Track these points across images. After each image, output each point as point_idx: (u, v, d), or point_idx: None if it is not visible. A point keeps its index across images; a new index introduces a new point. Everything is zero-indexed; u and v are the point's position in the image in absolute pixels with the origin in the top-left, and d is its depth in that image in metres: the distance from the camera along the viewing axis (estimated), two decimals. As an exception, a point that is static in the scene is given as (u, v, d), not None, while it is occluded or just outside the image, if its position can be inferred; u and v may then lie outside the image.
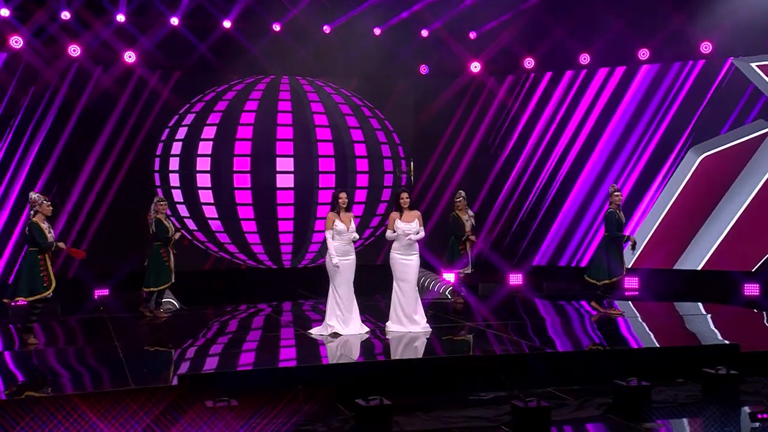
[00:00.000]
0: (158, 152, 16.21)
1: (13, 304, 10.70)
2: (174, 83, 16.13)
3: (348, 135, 16.59)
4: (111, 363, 9.35)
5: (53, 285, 10.38)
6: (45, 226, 10.33)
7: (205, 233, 16.26)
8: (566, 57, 16.59)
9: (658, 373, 9.26)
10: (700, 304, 13.45)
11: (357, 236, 10.83)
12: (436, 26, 16.64)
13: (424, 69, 17.37)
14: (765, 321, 12.56)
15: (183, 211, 16.12)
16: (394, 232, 10.89)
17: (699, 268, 15.82)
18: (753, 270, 15.31)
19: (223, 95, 16.37)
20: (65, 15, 14.60)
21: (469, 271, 13.68)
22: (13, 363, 9.80)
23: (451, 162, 17.47)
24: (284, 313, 13.15)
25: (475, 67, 17.07)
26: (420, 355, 10.07)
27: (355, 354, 9.88)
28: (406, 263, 10.90)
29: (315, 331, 10.79)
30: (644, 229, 16.17)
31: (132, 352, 9.98)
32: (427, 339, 10.60)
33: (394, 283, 10.97)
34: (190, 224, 16.19)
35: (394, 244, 10.97)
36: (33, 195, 10.43)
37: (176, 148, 16.15)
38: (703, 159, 15.77)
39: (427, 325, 10.94)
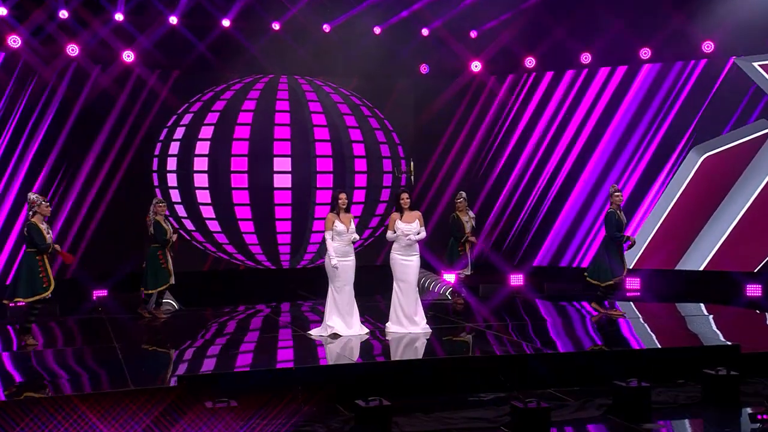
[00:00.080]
0: (156, 152, 16.16)
1: (11, 305, 10.66)
2: (173, 83, 16.08)
3: (346, 135, 16.53)
4: (110, 364, 9.33)
5: (52, 286, 10.37)
6: (44, 227, 10.30)
7: (203, 233, 16.21)
8: (567, 56, 16.57)
9: (658, 374, 9.25)
10: (701, 305, 13.42)
11: (357, 237, 10.79)
12: (436, 25, 16.61)
13: (424, 68, 17.34)
14: (767, 322, 12.50)
15: (181, 211, 16.07)
16: (395, 232, 10.84)
17: (701, 268, 15.79)
18: (755, 271, 15.28)
19: (221, 95, 16.32)
20: (63, 14, 14.54)
21: (469, 273, 13.63)
22: (12, 364, 9.77)
23: (451, 162, 17.44)
24: (283, 314, 13.12)
25: (476, 66, 17.03)
26: (420, 356, 10.04)
27: (354, 355, 9.84)
28: (406, 264, 10.86)
29: (314, 332, 10.75)
30: (646, 229, 16.13)
31: (131, 353, 9.97)
32: (427, 340, 10.56)
33: (394, 284, 10.93)
34: (188, 224, 16.14)
35: (395, 245, 10.92)
36: (32, 196, 10.39)
37: (174, 148, 16.10)
38: (704, 159, 15.73)
39: (427, 326, 10.91)
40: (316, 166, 16.33)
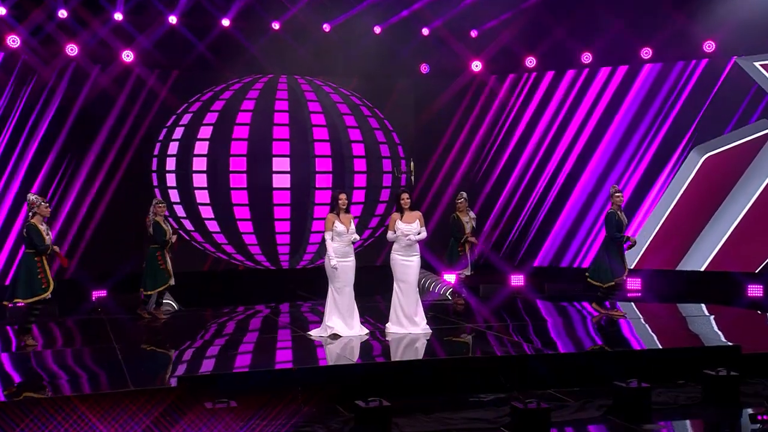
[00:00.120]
0: (155, 152, 16.12)
1: (10, 305, 10.63)
2: (172, 82, 16.06)
3: (346, 135, 16.48)
4: (110, 364, 9.31)
5: (51, 286, 10.33)
6: (43, 228, 10.27)
7: (202, 234, 16.16)
8: (568, 56, 16.54)
9: (659, 374, 9.23)
10: (703, 306, 13.38)
11: (357, 237, 10.76)
12: (436, 25, 16.59)
13: (424, 68, 17.33)
14: (768, 322, 12.50)
15: (180, 211, 16.03)
16: (395, 233, 10.79)
17: (702, 269, 15.76)
18: (756, 271, 15.25)
19: (220, 95, 16.27)
20: (62, 13, 14.52)
21: (469, 273, 13.58)
22: (11, 364, 9.74)
23: (451, 162, 17.41)
24: (283, 315, 13.09)
25: (476, 66, 17.00)
26: (420, 357, 10.01)
27: (354, 355, 9.81)
28: (406, 264, 10.82)
29: (314, 333, 10.72)
30: (647, 229, 16.09)
31: (131, 353, 9.95)
32: (427, 340, 10.53)
33: (395, 284, 10.90)
34: (188, 224, 16.10)
35: (395, 245, 10.89)
36: (31, 197, 10.37)
37: (173, 148, 16.06)
38: (706, 159, 15.70)
39: (427, 326, 10.87)
40: (315, 166, 16.28)
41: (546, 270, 16.93)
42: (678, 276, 15.87)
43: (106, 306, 13.53)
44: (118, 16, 14.98)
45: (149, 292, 12.34)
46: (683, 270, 15.89)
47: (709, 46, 15.50)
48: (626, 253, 12.33)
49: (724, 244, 15.54)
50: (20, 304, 10.34)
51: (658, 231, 16.04)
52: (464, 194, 13.74)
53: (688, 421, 8.48)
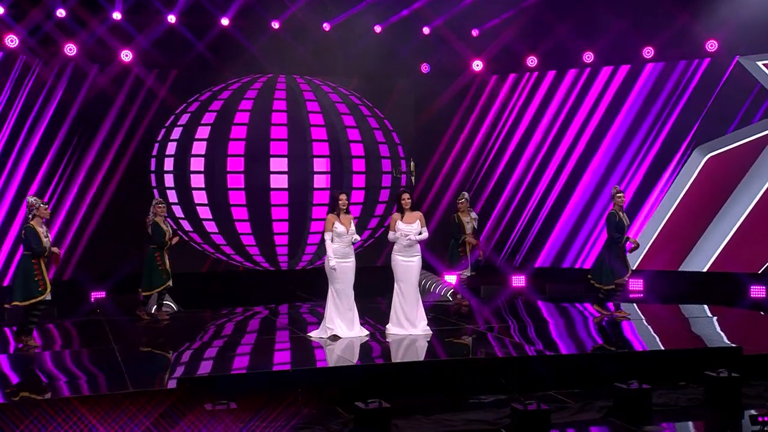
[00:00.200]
0: (154, 152, 16.06)
1: (9, 307, 10.62)
2: (171, 82, 16.02)
3: (344, 135, 16.41)
4: (109, 366, 9.28)
5: (48, 289, 10.25)
6: (42, 230, 10.22)
7: (201, 234, 16.10)
8: (569, 55, 16.53)
9: (660, 375, 9.19)
10: (705, 307, 13.32)
11: (358, 237, 10.71)
12: (437, 24, 16.59)
13: (425, 67, 17.31)
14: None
15: (178, 211, 15.98)
16: (396, 233, 10.72)
17: (704, 269, 15.71)
18: (759, 272, 15.19)
19: (219, 95, 16.21)
20: (61, 13, 14.48)
21: (469, 274, 13.51)
22: (11, 366, 9.72)
23: (452, 162, 17.37)
24: (282, 316, 13.05)
25: (477, 65, 16.96)
26: (420, 358, 9.96)
27: (354, 357, 9.76)
28: (407, 265, 10.77)
29: (314, 334, 10.67)
30: (649, 230, 16.04)
31: (130, 355, 9.93)
32: (428, 341, 10.48)
33: (395, 285, 10.84)
34: (186, 225, 16.04)
35: (396, 246, 10.84)
36: (30, 198, 10.33)
37: (171, 148, 16.02)
38: (708, 159, 15.65)
39: (428, 327, 10.81)
40: (313, 167, 16.20)
41: (547, 271, 16.88)
42: (680, 277, 15.82)
43: (104, 307, 13.47)
44: (117, 16, 14.96)
45: (146, 293, 12.28)
46: (685, 271, 15.85)
47: (711, 46, 15.45)
48: (628, 254, 12.24)
49: (726, 244, 15.49)
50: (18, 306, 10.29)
51: (660, 231, 15.99)
52: (466, 194, 13.70)
53: (690, 423, 8.45)
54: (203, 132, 15.92)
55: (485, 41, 16.84)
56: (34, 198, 10.31)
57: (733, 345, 10.09)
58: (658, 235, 16.00)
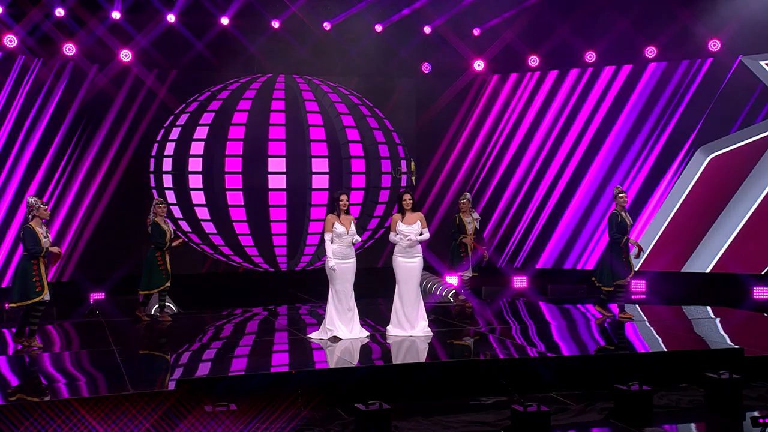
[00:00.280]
0: (153, 153, 16.02)
1: (8, 308, 10.59)
2: (171, 82, 15.96)
3: (343, 135, 16.34)
4: (109, 367, 9.26)
5: (46, 290, 10.17)
6: (42, 230, 10.16)
7: (200, 235, 16.04)
8: (571, 55, 16.48)
9: (661, 377, 9.16)
10: (708, 308, 13.31)
11: (359, 238, 10.67)
12: (438, 23, 16.57)
13: (426, 67, 17.27)
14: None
15: (177, 212, 15.92)
16: (396, 234, 10.66)
17: (707, 270, 15.66)
18: (763, 273, 15.15)
19: (217, 94, 16.16)
20: (59, 12, 14.43)
21: (470, 275, 13.44)
22: (10, 368, 9.69)
23: (453, 162, 17.31)
24: (282, 317, 13.02)
25: (479, 65, 16.91)
26: (421, 360, 9.89)
27: (354, 358, 9.72)
28: (408, 266, 10.73)
29: (314, 336, 10.64)
30: (651, 231, 15.99)
31: (129, 356, 9.90)
32: (429, 343, 10.44)
33: (396, 286, 10.78)
34: (185, 226, 15.98)
35: (397, 247, 10.80)
36: (30, 199, 10.28)
37: (170, 148, 15.98)
38: (711, 159, 15.59)
39: (429, 329, 10.76)
40: (312, 167, 16.13)
41: (549, 272, 16.81)
42: (683, 278, 15.76)
43: (104, 308, 13.43)
44: (116, 15, 14.92)
45: (144, 292, 12.21)
46: (688, 272, 15.79)
47: (714, 45, 15.38)
48: (634, 258, 12.17)
49: (729, 245, 15.43)
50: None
51: (662, 232, 15.93)
52: (468, 195, 13.62)
53: (691, 425, 8.43)
54: (202, 132, 15.87)
55: (486, 41, 16.79)
56: (34, 198, 10.26)
57: (735, 347, 10.05)
58: (660, 236, 15.94)
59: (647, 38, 15.80)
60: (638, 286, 15.66)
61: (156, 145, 16.04)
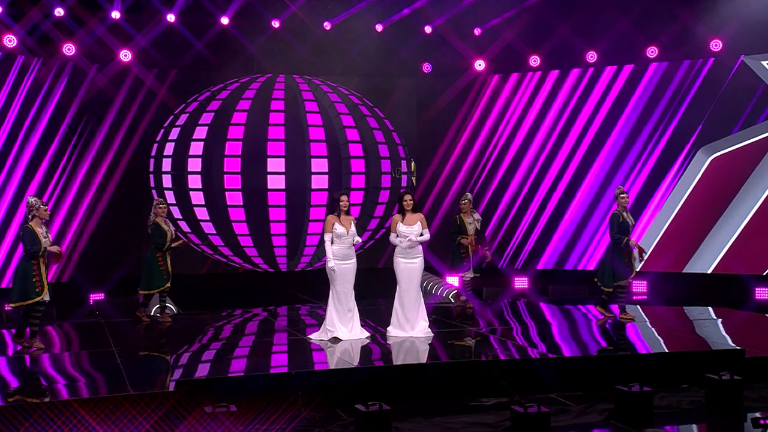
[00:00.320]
0: (153, 153, 16.00)
1: (7, 308, 10.64)
2: (170, 82, 15.93)
3: (343, 135, 16.31)
4: (108, 368, 9.26)
5: (45, 290, 10.15)
6: (42, 231, 10.14)
7: (199, 235, 16.00)
8: (572, 55, 16.46)
9: (662, 378, 9.14)
10: (710, 309, 13.28)
11: (359, 239, 10.65)
12: (439, 23, 16.55)
13: (426, 67, 17.24)
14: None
15: (176, 212, 15.89)
16: (397, 236, 10.64)
17: (709, 271, 15.64)
18: (764, 273, 15.14)
19: (217, 94, 16.13)
20: (59, 12, 14.40)
21: (471, 276, 13.41)
22: (9, 368, 9.69)
23: (454, 163, 17.29)
24: (282, 318, 13.02)
25: (479, 65, 16.88)
26: (421, 360, 9.86)
27: (355, 359, 9.69)
28: (409, 267, 10.71)
29: (314, 336, 10.62)
30: (653, 231, 15.96)
31: (129, 357, 9.89)
32: (429, 344, 10.42)
33: (397, 287, 10.75)
34: (184, 226, 15.95)
35: (397, 248, 10.78)
36: (30, 199, 10.27)
37: (169, 148, 15.96)
38: (713, 159, 15.58)
39: (429, 329, 10.73)
40: (311, 167, 16.09)
41: (550, 272, 16.78)
42: (684, 278, 15.74)
43: (104, 309, 13.41)
44: (116, 15, 14.89)
45: (144, 292, 12.19)
46: (690, 272, 15.76)
47: (716, 45, 15.35)
48: (638, 261, 12.15)
49: (731, 246, 15.42)
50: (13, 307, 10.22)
51: (664, 233, 15.91)
52: (469, 195, 13.58)
53: (692, 426, 8.43)
54: (201, 132, 15.84)
55: (487, 40, 16.77)
56: (34, 198, 10.25)
57: (737, 348, 10.03)
58: (662, 237, 15.92)
59: (648, 38, 15.78)
60: (640, 286, 15.63)
61: (156, 145, 16.01)
